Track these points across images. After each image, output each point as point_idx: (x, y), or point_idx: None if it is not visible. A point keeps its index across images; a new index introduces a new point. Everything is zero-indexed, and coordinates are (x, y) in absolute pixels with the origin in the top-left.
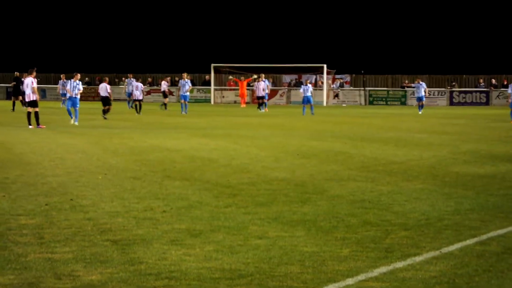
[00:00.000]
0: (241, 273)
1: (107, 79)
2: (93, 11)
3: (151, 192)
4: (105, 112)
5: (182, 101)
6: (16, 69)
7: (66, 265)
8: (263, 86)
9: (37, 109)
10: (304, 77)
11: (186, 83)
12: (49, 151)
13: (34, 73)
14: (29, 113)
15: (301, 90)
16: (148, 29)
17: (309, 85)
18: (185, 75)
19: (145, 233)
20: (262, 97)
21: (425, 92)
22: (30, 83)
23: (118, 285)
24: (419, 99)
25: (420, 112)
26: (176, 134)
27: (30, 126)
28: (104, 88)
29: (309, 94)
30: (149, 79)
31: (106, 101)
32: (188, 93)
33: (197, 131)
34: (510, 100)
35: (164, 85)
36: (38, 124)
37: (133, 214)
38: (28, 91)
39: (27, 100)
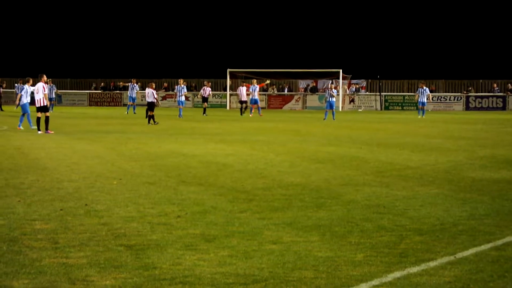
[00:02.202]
0: (256, 278)
1: (153, 84)
2: (111, 16)
3: (166, 197)
4: (153, 118)
5: (180, 106)
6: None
7: (81, 270)
8: (244, 91)
9: (47, 114)
10: (319, 82)
11: (182, 89)
12: (64, 156)
13: (45, 78)
14: (38, 118)
15: (326, 95)
16: (164, 34)
17: (334, 90)
18: (181, 80)
19: (159, 238)
20: (245, 102)
21: (428, 97)
22: (41, 88)
23: None
24: (422, 103)
25: (419, 116)
26: (192, 140)
27: (39, 132)
28: (150, 94)
29: (333, 99)
30: (165, 84)
31: (151, 106)
32: (183, 98)
33: (213, 137)
34: None
35: (207, 90)
36: (46, 129)
37: (147, 219)
38: (38, 96)
39: (37, 105)
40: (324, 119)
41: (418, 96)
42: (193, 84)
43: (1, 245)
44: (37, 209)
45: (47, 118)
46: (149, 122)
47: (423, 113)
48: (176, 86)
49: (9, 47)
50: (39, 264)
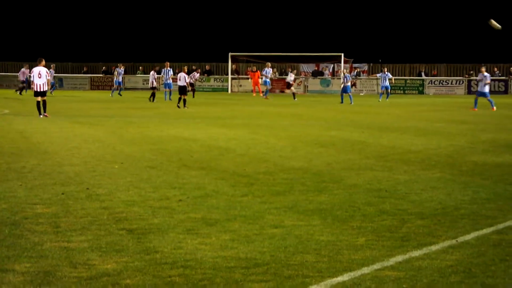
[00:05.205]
0: (257, 262)
1: (185, 68)
2: (112, 0)
3: (167, 181)
4: (184, 102)
5: (167, 89)
6: (29, 59)
7: (82, 254)
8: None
9: (45, 98)
10: (321, 65)
11: (168, 71)
12: (66, 140)
13: (43, 62)
14: (38, 103)
15: (343, 80)
16: (166, 18)
17: (348, 75)
18: (167, 64)
19: (160, 222)
20: (153, 88)
21: (390, 81)
22: (44, 73)
23: (134, 274)
24: (386, 87)
25: (379, 100)
26: (193, 124)
27: (41, 116)
28: (183, 78)
29: (348, 84)
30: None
31: (183, 90)
32: (170, 81)
33: (215, 121)
34: None
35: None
36: (45, 112)
37: (149, 203)
38: (41, 81)
39: (38, 90)
40: (350, 103)
41: (382, 81)
42: (194, 67)
43: (3, 229)
44: (38, 193)
45: (44, 101)
46: (178, 105)
47: (387, 97)
48: (163, 69)
49: (11, 31)
50: (40, 248)
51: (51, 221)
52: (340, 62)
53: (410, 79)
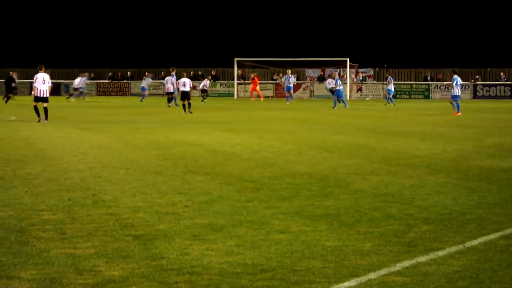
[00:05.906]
0: (263, 268)
1: (184, 74)
2: (117, 5)
3: (173, 187)
4: (189, 105)
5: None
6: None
7: (88, 260)
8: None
9: (46, 105)
10: (327, 71)
11: (174, 77)
12: (71, 146)
13: (44, 69)
14: (36, 107)
15: (335, 84)
16: (171, 23)
17: (338, 79)
18: (174, 69)
19: (167, 228)
20: (172, 93)
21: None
22: (47, 79)
23: (140, 280)
24: (390, 91)
25: (394, 104)
26: (199, 129)
27: (46, 121)
28: (187, 83)
29: (340, 87)
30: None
31: (187, 95)
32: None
33: (220, 126)
34: None
35: (331, 84)
36: (46, 119)
37: (155, 209)
38: (44, 87)
39: (40, 95)
40: (333, 107)
41: (388, 85)
42: (200, 73)
43: (9, 236)
44: (44, 200)
45: (46, 108)
46: (185, 111)
47: (391, 101)
48: (172, 74)
49: (15, 37)
50: (46, 255)
51: (57, 228)
52: (346, 67)
53: (415, 84)
